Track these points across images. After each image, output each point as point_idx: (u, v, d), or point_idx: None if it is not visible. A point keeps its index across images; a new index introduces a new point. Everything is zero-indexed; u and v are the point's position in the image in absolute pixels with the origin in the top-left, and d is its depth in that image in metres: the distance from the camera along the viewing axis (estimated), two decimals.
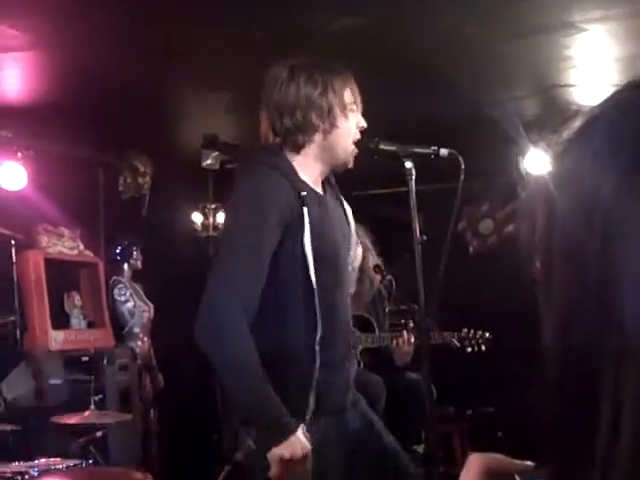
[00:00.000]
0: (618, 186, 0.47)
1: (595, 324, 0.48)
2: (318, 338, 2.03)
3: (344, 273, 2.21)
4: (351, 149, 2.17)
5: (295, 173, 2.12)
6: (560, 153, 0.54)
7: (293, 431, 1.93)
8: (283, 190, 2.05)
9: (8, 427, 3.55)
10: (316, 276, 2.03)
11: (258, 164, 2.12)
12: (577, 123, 0.54)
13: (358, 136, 2.17)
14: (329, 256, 2.11)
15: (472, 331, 4.14)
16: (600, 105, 0.54)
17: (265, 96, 2.18)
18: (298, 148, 2.14)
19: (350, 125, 2.16)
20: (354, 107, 2.17)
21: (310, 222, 2.04)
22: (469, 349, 4.10)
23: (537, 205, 0.54)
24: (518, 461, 0.60)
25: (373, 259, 4.00)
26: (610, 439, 0.46)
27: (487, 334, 4.17)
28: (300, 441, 1.93)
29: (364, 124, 2.19)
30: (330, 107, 2.11)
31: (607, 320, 0.47)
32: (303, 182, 2.13)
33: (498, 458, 0.61)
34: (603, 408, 0.46)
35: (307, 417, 2.02)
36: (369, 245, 4.01)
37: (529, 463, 0.59)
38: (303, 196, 2.05)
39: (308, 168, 2.16)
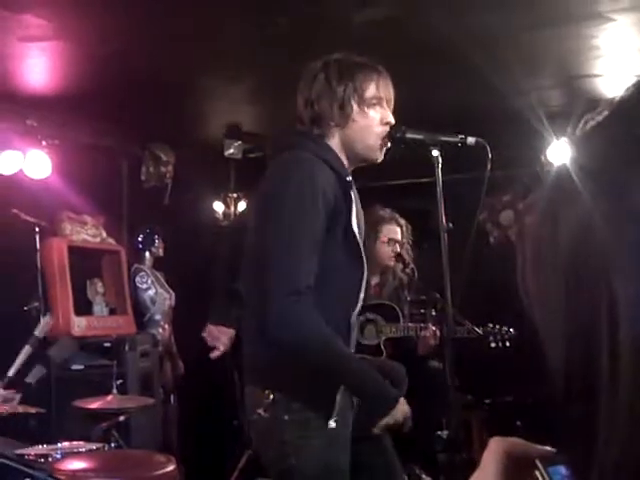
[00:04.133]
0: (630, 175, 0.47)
1: (590, 306, 0.48)
2: (354, 318, 2.14)
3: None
4: (372, 145, 2.17)
5: (338, 159, 2.17)
6: (581, 140, 0.54)
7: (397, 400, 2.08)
8: (328, 176, 2.09)
9: (32, 410, 3.60)
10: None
11: (304, 151, 2.15)
12: (601, 111, 0.54)
13: (384, 131, 2.17)
14: (360, 244, 2.17)
15: (497, 327, 4.11)
16: (624, 94, 0.53)
17: (299, 87, 2.24)
18: (321, 138, 2.18)
19: (369, 120, 2.16)
20: (375, 102, 2.16)
21: (355, 209, 2.12)
22: (493, 344, 4.08)
23: (559, 198, 0.54)
24: (539, 446, 0.60)
25: (404, 249, 4.04)
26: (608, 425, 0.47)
27: (512, 330, 4.13)
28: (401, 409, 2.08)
29: (391, 120, 2.17)
30: (347, 100, 2.14)
31: (600, 304, 0.47)
32: (345, 170, 2.18)
33: (519, 442, 0.61)
34: (601, 390, 0.47)
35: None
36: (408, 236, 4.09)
37: (549, 448, 0.60)
38: (349, 181, 2.11)
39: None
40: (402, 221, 4.13)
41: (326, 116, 2.15)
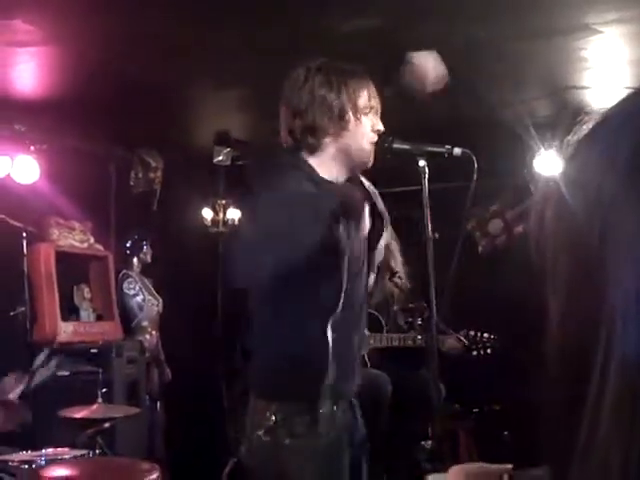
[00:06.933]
0: (617, 186, 0.48)
1: (589, 316, 0.48)
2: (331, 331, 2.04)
3: (362, 272, 2.21)
4: (366, 151, 2.17)
5: (316, 174, 2.12)
6: (570, 154, 0.55)
7: None
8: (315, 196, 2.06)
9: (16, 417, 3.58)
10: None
11: (283, 166, 2.12)
12: (589, 124, 0.54)
13: (375, 139, 2.17)
14: (352, 255, 2.10)
15: (478, 334, 4.12)
16: (613, 106, 0.54)
17: (283, 97, 2.17)
18: (312, 150, 2.15)
19: (364, 128, 2.15)
20: (368, 110, 2.16)
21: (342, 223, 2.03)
22: (475, 352, 4.09)
23: (547, 202, 0.55)
24: (497, 465, 0.61)
25: (395, 258, 4.04)
26: (590, 431, 0.47)
27: (492, 336, 4.15)
28: None
29: (381, 127, 2.17)
30: (342, 109, 2.11)
31: (599, 315, 0.47)
32: (327, 182, 2.14)
33: (478, 464, 0.62)
34: (588, 399, 0.47)
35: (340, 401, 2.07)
36: (396, 244, 4.08)
37: (509, 466, 0.61)
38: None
39: (325, 169, 2.16)
40: None
41: (321, 127, 2.11)
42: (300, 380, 2.03)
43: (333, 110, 2.10)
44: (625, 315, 0.46)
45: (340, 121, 2.11)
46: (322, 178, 2.13)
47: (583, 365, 0.48)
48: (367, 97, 2.16)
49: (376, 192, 2.31)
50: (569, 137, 0.56)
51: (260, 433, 2.06)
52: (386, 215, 2.30)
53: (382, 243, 2.30)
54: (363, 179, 2.28)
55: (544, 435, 0.52)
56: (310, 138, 2.13)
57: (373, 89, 2.18)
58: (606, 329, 0.47)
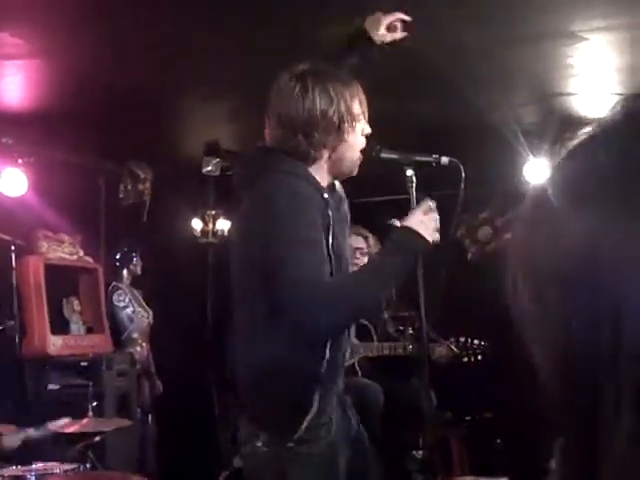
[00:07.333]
0: (605, 193, 0.48)
1: (591, 320, 0.48)
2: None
3: None
4: (357, 158, 2.18)
5: (320, 185, 2.13)
6: (558, 162, 0.55)
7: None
8: (316, 199, 2.07)
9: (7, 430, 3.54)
10: None
11: (282, 174, 2.09)
12: (582, 133, 0.54)
13: (364, 144, 2.17)
14: (340, 261, 2.12)
15: (469, 340, 4.13)
16: (603, 116, 0.54)
17: (275, 107, 2.14)
18: (312, 162, 2.14)
19: (358, 136, 2.16)
20: (361, 117, 2.17)
21: (333, 227, 2.07)
22: (465, 359, 4.10)
23: (535, 210, 0.55)
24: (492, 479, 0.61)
25: None
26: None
27: (482, 342, 4.16)
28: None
29: (369, 131, 2.18)
30: (341, 122, 2.10)
31: (601, 318, 0.47)
32: (324, 188, 2.14)
33: (472, 479, 0.62)
34: (606, 414, 0.47)
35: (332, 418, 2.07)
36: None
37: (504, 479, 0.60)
38: (327, 200, 2.08)
39: (320, 179, 2.15)
40: (366, 233, 4.12)
41: (322, 141, 2.10)
42: (288, 391, 2.04)
43: (334, 124, 2.09)
44: (629, 315, 0.46)
45: (338, 133, 2.11)
46: (324, 189, 2.13)
47: (593, 368, 0.48)
48: (359, 104, 2.16)
49: (343, 194, 2.32)
50: (558, 145, 0.56)
51: (256, 443, 2.06)
52: (348, 218, 2.31)
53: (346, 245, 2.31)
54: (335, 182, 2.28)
55: (556, 441, 0.52)
56: (310, 151, 2.12)
57: (361, 92, 2.18)
58: (609, 330, 0.47)
